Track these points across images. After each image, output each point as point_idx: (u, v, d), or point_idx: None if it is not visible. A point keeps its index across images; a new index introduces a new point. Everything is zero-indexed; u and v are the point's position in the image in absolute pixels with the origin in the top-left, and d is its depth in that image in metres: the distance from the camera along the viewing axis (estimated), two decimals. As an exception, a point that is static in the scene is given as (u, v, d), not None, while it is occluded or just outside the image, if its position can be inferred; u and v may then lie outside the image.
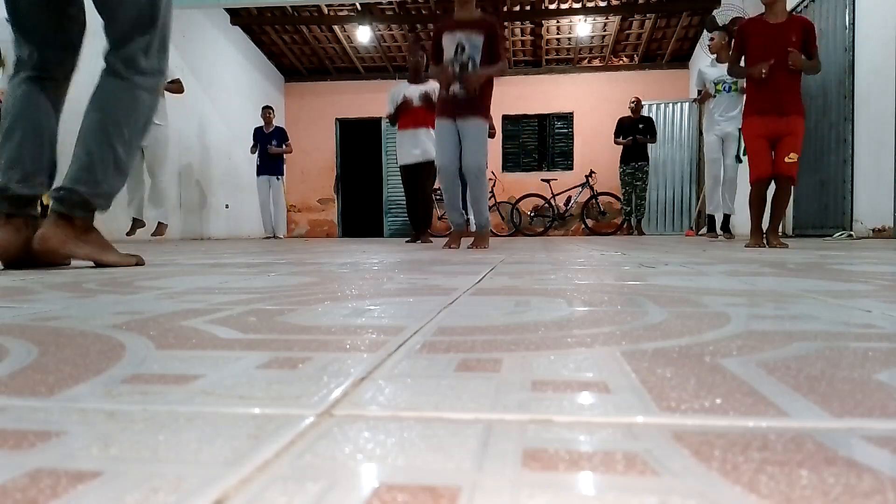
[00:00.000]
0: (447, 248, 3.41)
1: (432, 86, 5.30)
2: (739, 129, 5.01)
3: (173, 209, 6.29)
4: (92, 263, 1.77)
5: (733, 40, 3.85)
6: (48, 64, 1.80)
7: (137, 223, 5.90)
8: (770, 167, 3.68)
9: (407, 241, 5.34)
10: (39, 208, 1.84)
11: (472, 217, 3.98)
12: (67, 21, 1.80)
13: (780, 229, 3.99)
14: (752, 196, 3.81)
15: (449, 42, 3.49)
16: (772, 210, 3.73)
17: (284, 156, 8.43)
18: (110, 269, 1.70)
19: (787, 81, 3.54)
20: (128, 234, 5.89)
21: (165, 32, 1.83)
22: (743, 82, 4.58)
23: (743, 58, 3.73)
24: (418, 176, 5.38)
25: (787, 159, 3.60)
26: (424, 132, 5.26)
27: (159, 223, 5.98)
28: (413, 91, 5.26)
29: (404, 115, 5.30)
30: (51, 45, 1.79)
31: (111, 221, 6.59)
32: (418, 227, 5.49)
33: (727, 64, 3.96)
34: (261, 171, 8.24)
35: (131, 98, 1.77)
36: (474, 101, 3.52)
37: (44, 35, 1.78)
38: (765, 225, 3.78)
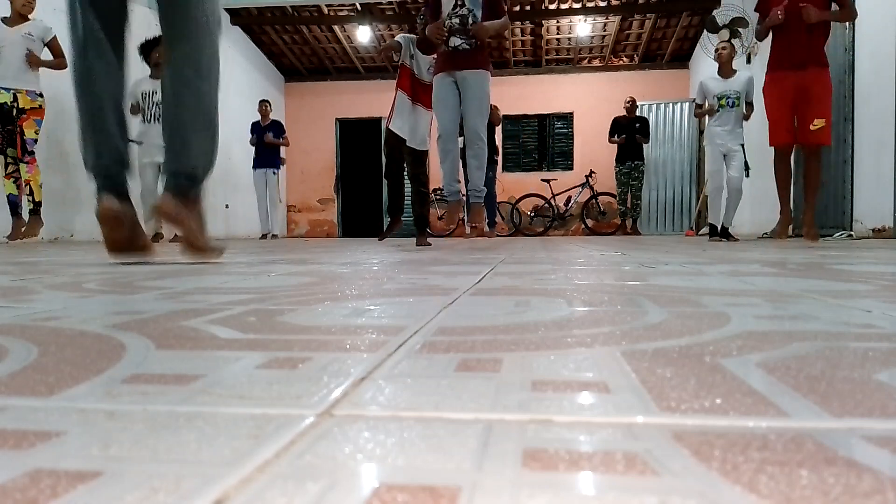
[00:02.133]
0: (446, 225, 3.31)
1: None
2: (742, 145, 4.92)
3: None
4: (173, 259, 1.92)
5: (756, 7, 3.67)
6: (109, 39, 1.87)
7: (158, 236, 5.93)
8: (791, 134, 3.40)
9: (379, 240, 4.87)
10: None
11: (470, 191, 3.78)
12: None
13: (783, 229, 3.80)
14: (776, 165, 3.50)
15: None
16: (804, 188, 3.43)
17: (283, 154, 8.43)
18: (110, 269, 1.70)
19: (806, 35, 3.29)
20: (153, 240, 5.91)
21: None
22: (749, 97, 4.44)
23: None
24: (408, 157, 4.70)
25: (812, 126, 3.31)
26: (423, 111, 4.87)
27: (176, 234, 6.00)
28: (423, 61, 4.61)
29: (411, 81, 4.60)
30: (109, 22, 1.86)
31: None
32: (394, 214, 4.88)
33: (758, 31, 3.73)
34: (257, 164, 8.25)
35: (210, 55, 1.86)
36: (475, 52, 3.42)
37: (103, 13, 1.85)
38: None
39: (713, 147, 5.44)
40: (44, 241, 5.40)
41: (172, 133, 1.85)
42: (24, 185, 4.79)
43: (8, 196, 4.80)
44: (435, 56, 4.75)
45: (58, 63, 4.84)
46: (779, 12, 3.27)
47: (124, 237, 1.83)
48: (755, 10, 3.71)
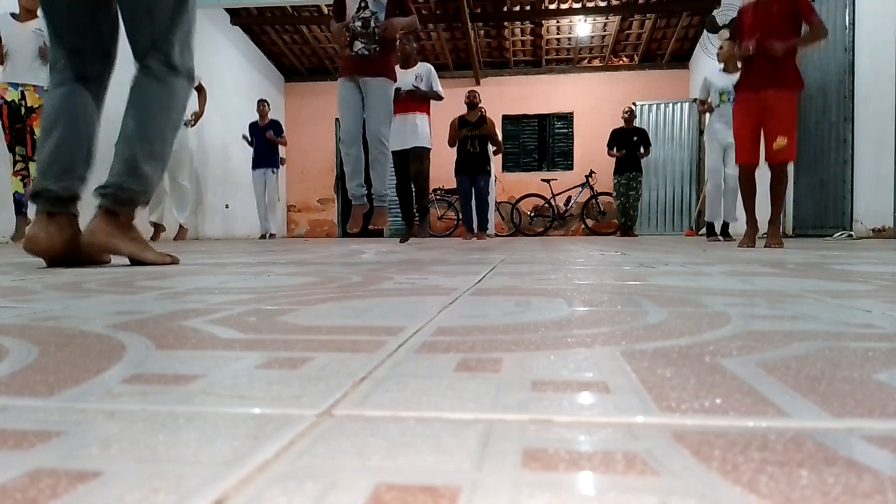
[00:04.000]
0: (350, 229, 3.31)
1: (417, 70, 5.27)
2: None
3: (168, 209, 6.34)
4: (128, 262, 1.83)
5: (732, 32, 3.79)
6: (85, 67, 1.86)
7: (159, 228, 5.93)
8: (755, 154, 3.56)
9: (400, 241, 5.27)
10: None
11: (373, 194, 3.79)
12: (100, 25, 1.87)
13: (780, 229, 3.89)
14: (740, 182, 3.70)
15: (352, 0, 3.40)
16: (771, 201, 3.59)
17: (282, 154, 8.43)
18: (110, 268, 1.70)
19: (770, 58, 3.42)
20: (151, 238, 5.92)
21: (192, 31, 1.90)
22: None
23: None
24: (411, 162, 5.28)
25: (774, 146, 3.44)
26: (412, 118, 5.19)
27: (181, 226, 6.00)
28: (401, 79, 5.15)
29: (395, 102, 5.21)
30: (87, 50, 1.86)
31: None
32: (410, 220, 5.34)
33: (728, 67, 3.89)
34: (256, 164, 8.25)
35: (168, 95, 1.85)
36: (378, 59, 3.42)
37: (79, 39, 1.85)
38: (761, 225, 3.72)
39: (713, 142, 5.45)
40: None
41: (127, 148, 1.80)
42: (31, 183, 4.80)
43: (14, 194, 4.79)
44: (408, 70, 5.01)
45: None
46: (750, 46, 3.36)
47: (59, 256, 1.76)
48: (729, 37, 3.78)
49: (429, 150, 5.33)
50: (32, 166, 4.76)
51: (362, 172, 3.71)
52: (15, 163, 4.73)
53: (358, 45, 3.38)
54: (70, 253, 1.77)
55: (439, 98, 5.30)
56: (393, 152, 5.31)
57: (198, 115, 6.02)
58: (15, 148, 4.72)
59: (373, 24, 3.35)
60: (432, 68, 5.37)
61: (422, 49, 10.01)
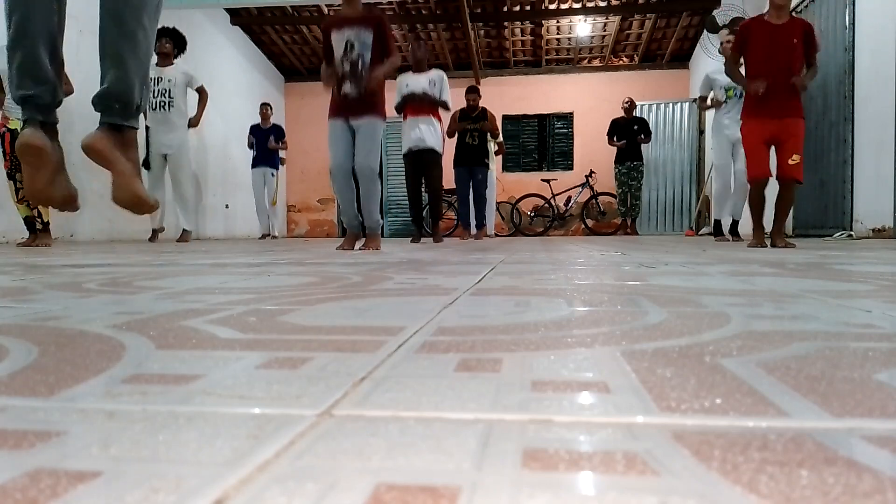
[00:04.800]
0: (341, 250, 3.37)
1: (432, 75, 5.36)
2: None
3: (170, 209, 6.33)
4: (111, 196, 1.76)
5: (734, 40, 3.82)
6: None
7: (157, 231, 5.93)
8: (767, 168, 3.66)
9: (411, 242, 5.36)
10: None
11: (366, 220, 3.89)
12: None
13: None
14: (752, 196, 3.80)
15: (338, 40, 3.43)
16: (776, 212, 3.70)
17: (282, 154, 8.43)
18: (110, 268, 1.70)
19: (787, 86, 3.50)
20: (149, 240, 5.91)
21: None
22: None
23: (742, 59, 3.71)
24: (422, 166, 5.38)
25: (790, 161, 3.55)
26: (424, 120, 5.30)
27: (183, 230, 6.00)
28: (416, 82, 5.31)
29: (408, 105, 5.33)
30: None
31: (133, 223, 6.61)
32: (420, 223, 5.48)
33: (727, 65, 3.92)
34: (255, 163, 8.24)
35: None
36: (367, 100, 3.48)
37: None
38: (768, 226, 3.76)
39: (721, 138, 5.42)
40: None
41: (109, 55, 1.70)
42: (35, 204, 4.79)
43: (25, 218, 4.79)
44: (422, 74, 5.17)
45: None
46: (760, 89, 3.43)
47: (46, 178, 1.66)
48: (731, 49, 3.80)
49: (440, 155, 5.42)
50: None
51: (354, 203, 3.80)
52: (18, 190, 4.72)
53: (347, 87, 3.44)
54: (60, 173, 1.69)
55: (447, 108, 5.39)
56: (405, 155, 5.43)
57: (195, 120, 5.95)
58: (16, 175, 4.71)
59: (360, 66, 3.41)
60: (445, 76, 5.44)
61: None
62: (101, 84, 1.72)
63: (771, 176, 3.69)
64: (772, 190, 3.66)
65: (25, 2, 1.70)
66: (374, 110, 3.52)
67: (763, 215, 3.77)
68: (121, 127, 1.72)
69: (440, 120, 5.48)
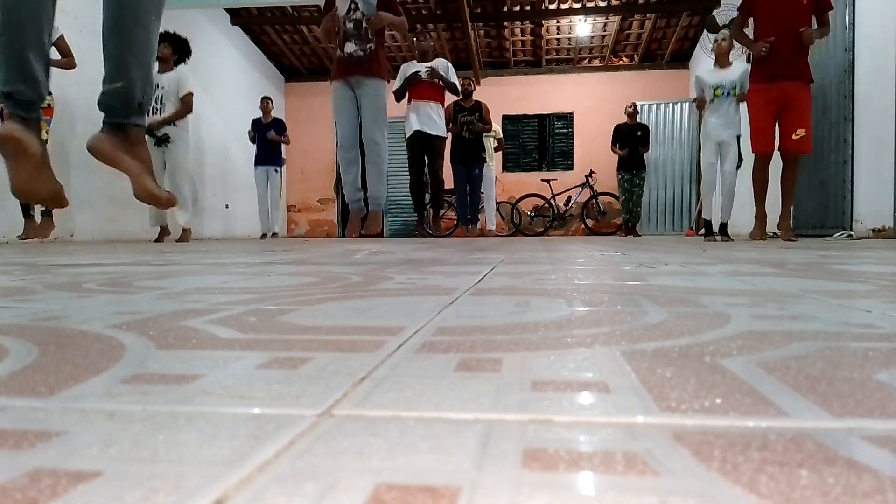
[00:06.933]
0: (349, 237, 3.31)
1: (437, 63, 5.40)
2: (738, 137, 4.91)
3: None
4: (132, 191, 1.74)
5: (741, 4, 3.74)
6: None
7: (164, 231, 5.93)
8: (772, 142, 3.58)
9: (416, 234, 5.41)
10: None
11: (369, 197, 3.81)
12: None
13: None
14: (754, 171, 3.68)
15: (342, 0, 3.42)
16: (782, 194, 3.59)
17: (284, 154, 8.42)
18: (110, 268, 1.70)
19: (793, 48, 3.42)
20: (156, 240, 5.91)
21: None
22: (743, 88, 4.51)
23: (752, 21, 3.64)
24: (428, 151, 5.40)
25: (794, 136, 3.47)
26: (431, 105, 5.34)
27: (184, 229, 5.98)
28: (421, 67, 5.37)
29: (412, 88, 5.36)
30: None
31: (133, 223, 6.61)
32: (422, 210, 5.50)
33: (734, 28, 3.83)
34: (258, 161, 8.21)
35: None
36: (370, 59, 3.44)
37: None
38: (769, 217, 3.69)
39: (708, 139, 5.42)
40: (42, 241, 5.41)
41: (109, 54, 1.68)
42: None
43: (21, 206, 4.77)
44: (427, 63, 5.25)
45: (66, 63, 4.79)
46: (763, 49, 3.36)
47: (29, 173, 1.63)
48: (738, 8, 3.75)
49: (444, 139, 5.49)
50: None
51: (359, 176, 3.74)
52: None
53: (350, 47, 3.41)
54: (43, 168, 1.65)
55: (455, 89, 5.43)
56: (410, 138, 5.47)
57: (169, 119, 5.71)
58: None
59: (364, 25, 3.38)
60: (450, 63, 5.50)
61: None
62: (104, 84, 1.72)
63: (773, 151, 3.60)
64: (773, 188, 3.63)
65: None
66: (377, 71, 3.48)
67: (766, 197, 3.67)
68: (124, 126, 1.71)
69: (443, 104, 5.55)
